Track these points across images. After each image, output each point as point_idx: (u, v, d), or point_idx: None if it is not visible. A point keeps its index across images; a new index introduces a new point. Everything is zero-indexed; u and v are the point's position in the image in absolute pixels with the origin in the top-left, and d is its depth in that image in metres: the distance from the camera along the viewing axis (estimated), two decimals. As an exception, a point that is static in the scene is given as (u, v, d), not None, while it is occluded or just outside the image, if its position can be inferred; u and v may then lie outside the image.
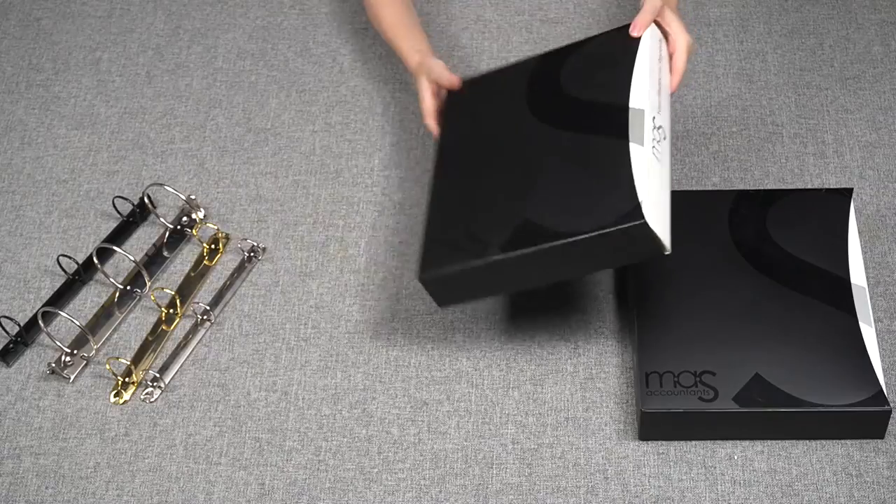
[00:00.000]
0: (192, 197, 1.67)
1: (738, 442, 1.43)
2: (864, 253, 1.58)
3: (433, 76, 1.58)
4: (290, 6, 1.91)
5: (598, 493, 1.41)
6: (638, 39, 1.47)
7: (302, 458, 1.45)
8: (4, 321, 1.58)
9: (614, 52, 1.48)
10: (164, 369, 1.53)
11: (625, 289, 1.57)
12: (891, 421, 1.44)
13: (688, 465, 1.42)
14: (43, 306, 1.55)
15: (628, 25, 1.49)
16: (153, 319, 1.59)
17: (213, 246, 1.64)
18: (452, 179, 1.50)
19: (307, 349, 1.54)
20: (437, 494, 1.42)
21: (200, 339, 1.56)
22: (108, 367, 1.53)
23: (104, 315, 1.59)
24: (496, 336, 1.54)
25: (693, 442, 1.44)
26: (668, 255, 1.35)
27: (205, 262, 1.63)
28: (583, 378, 1.50)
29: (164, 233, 1.66)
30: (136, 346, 1.56)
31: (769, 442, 1.43)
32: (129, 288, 1.60)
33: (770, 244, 1.52)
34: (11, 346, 1.55)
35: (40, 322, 1.54)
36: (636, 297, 1.49)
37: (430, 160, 1.70)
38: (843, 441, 1.43)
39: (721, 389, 1.41)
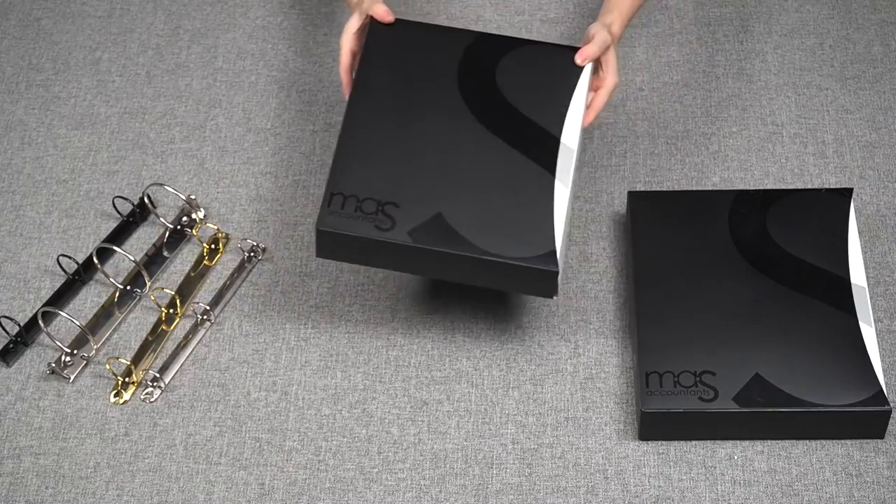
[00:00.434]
0: (192, 197, 1.67)
1: (738, 442, 1.44)
2: (864, 253, 1.58)
3: (364, 7, 1.51)
4: (290, 6, 1.91)
5: (598, 493, 1.41)
6: (581, 69, 1.49)
7: (302, 458, 1.45)
8: (4, 321, 1.58)
9: (556, 70, 1.50)
10: (164, 369, 1.53)
11: (625, 289, 1.57)
12: (891, 421, 1.44)
13: (688, 465, 1.42)
14: (43, 306, 1.55)
15: (575, 49, 1.50)
16: (153, 319, 1.59)
17: (213, 246, 1.64)
18: (368, 129, 1.48)
19: (307, 349, 1.54)
20: (437, 494, 1.42)
21: (200, 339, 1.56)
22: (108, 367, 1.53)
23: (104, 315, 1.59)
24: (496, 336, 1.54)
25: (693, 442, 1.44)
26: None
27: (205, 262, 1.63)
28: (583, 378, 1.50)
29: (164, 233, 1.66)
30: (136, 346, 1.56)
31: (769, 442, 1.43)
32: (129, 288, 1.60)
33: (770, 244, 1.52)
34: (11, 346, 1.55)
35: (40, 322, 1.54)
36: (636, 297, 1.49)
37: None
38: (843, 441, 1.43)
39: (721, 389, 1.41)
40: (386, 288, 1.59)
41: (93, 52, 1.87)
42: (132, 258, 1.56)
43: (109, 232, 1.66)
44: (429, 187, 1.43)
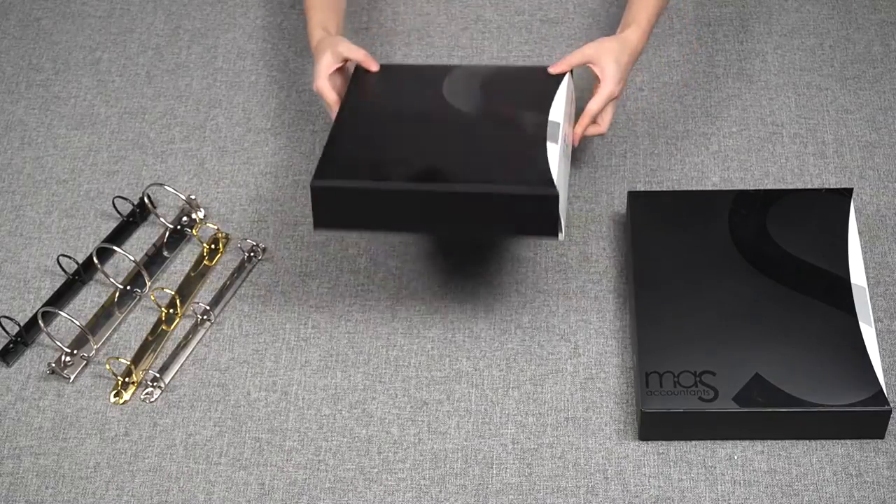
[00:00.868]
0: (192, 197, 1.67)
1: (738, 442, 1.44)
2: (864, 253, 1.58)
3: (339, 50, 1.54)
4: (290, 6, 1.91)
5: (598, 493, 1.41)
6: (559, 77, 1.53)
7: (302, 458, 1.45)
8: (4, 321, 1.58)
9: (536, 81, 1.53)
10: (164, 369, 1.53)
11: (625, 289, 1.57)
12: (891, 421, 1.44)
13: (688, 465, 1.42)
14: (43, 306, 1.55)
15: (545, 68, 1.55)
16: (153, 319, 1.59)
17: (213, 246, 1.64)
18: (362, 111, 1.50)
19: (307, 349, 1.54)
20: (437, 494, 1.42)
21: (200, 339, 1.56)
22: (108, 367, 1.53)
23: (104, 315, 1.59)
24: (496, 336, 1.54)
25: (693, 442, 1.44)
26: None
27: (205, 262, 1.63)
28: (583, 378, 1.50)
29: (164, 233, 1.66)
30: (136, 346, 1.56)
31: (769, 442, 1.43)
32: (129, 288, 1.60)
33: (770, 244, 1.52)
34: (11, 346, 1.55)
35: (40, 322, 1.54)
36: (636, 296, 1.49)
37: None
38: (843, 441, 1.43)
39: (721, 389, 1.41)
40: (386, 288, 1.59)
41: (93, 52, 1.87)
42: (132, 258, 1.56)
43: (109, 232, 1.66)
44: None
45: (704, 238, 1.53)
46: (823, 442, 1.43)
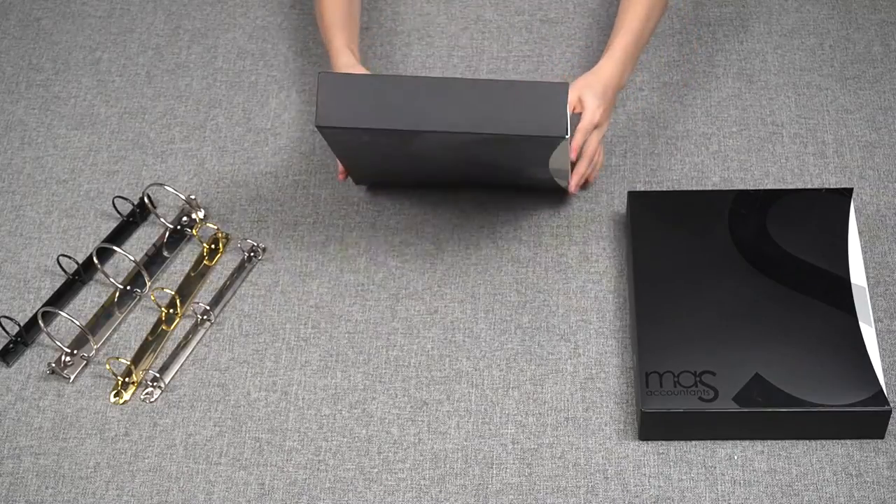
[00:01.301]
0: (192, 197, 1.67)
1: (738, 442, 1.44)
2: (864, 253, 1.58)
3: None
4: (290, 6, 1.91)
5: (598, 493, 1.41)
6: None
7: (302, 458, 1.45)
8: (4, 321, 1.58)
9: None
10: (164, 369, 1.53)
11: (625, 289, 1.57)
12: (891, 421, 1.44)
13: (688, 465, 1.42)
14: (43, 306, 1.55)
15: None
16: (153, 319, 1.59)
17: (213, 246, 1.64)
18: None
19: (307, 349, 1.54)
20: (437, 494, 1.42)
21: (200, 339, 1.56)
22: (108, 367, 1.53)
23: (104, 315, 1.59)
24: (496, 336, 1.54)
25: (693, 442, 1.44)
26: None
27: (205, 262, 1.63)
28: (583, 378, 1.50)
29: (164, 233, 1.66)
30: (136, 346, 1.56)
31: (769, 442, 1.43)
32: (129, 288, 1.60)
33: (770, 244, 1.52)
34: (11, 346, 1.55)
35: (40, 322, 1.54)
36: (636, 297, 1.49)
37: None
38: (843, 441, 1.43)
39: (721, 389, 1.41)
40: (386, 288, 1.59)
41: (93, 52, 1.87)
42: (132, 258, 1.56)
43: (109, 232, 1.66)
44: None
45: (704, 238, 1.53)
46: (823, 442, 1.43)
